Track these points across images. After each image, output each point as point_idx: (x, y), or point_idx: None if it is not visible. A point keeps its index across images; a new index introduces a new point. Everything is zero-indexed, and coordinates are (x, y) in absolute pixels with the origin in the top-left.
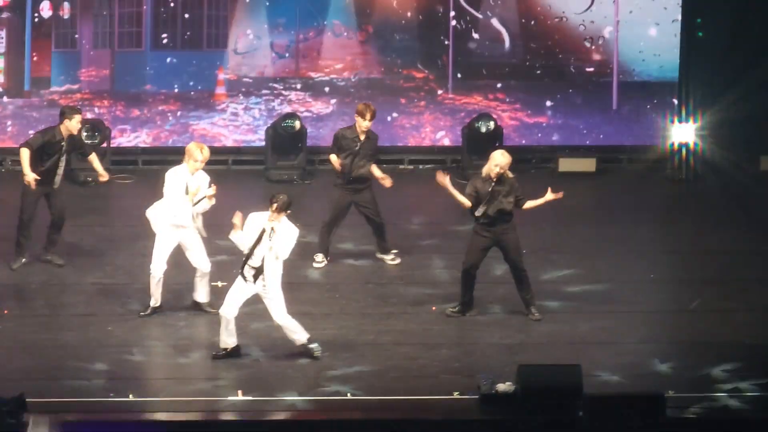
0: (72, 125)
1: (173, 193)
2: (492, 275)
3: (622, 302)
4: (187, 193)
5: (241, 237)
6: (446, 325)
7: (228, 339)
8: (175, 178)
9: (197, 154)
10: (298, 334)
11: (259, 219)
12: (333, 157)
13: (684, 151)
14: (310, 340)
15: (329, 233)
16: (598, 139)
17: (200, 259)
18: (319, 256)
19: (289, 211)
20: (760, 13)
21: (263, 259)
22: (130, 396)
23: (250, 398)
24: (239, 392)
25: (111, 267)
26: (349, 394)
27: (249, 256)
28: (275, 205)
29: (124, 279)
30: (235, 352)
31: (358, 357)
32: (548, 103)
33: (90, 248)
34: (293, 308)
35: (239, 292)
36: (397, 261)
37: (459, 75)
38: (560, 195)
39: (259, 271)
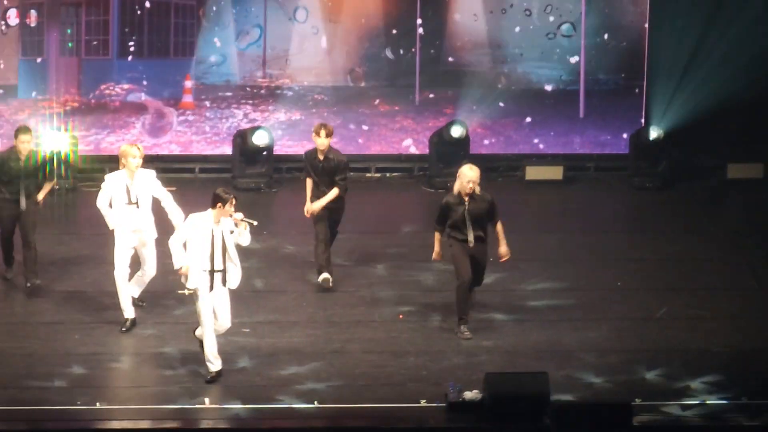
0: (22, 146)
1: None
2: None
3: (588, 310)
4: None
5: (189, 247)
6: (414, 333)
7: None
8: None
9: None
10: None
11: (203, 221)
12: (308, 181)
13: (648, 158)
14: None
15: (320, 249)
16: (564, 147)
17: (152, 265)
18: (320, 275)
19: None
20: (723, 22)
21: (222, 260)
22: (98, 404)
23: (217, 406)
24: (206, 400)
25: (78, 275)
26: (316, 402)
27: (211, 263)
28: (230, 203)
29: (91, 287)
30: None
31: (325, 365)
32: (515, 112)
33: (56, 256)
34: (261, 316)
35: (209, 306)
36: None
37: (426, 83)
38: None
39: (222, 274)
